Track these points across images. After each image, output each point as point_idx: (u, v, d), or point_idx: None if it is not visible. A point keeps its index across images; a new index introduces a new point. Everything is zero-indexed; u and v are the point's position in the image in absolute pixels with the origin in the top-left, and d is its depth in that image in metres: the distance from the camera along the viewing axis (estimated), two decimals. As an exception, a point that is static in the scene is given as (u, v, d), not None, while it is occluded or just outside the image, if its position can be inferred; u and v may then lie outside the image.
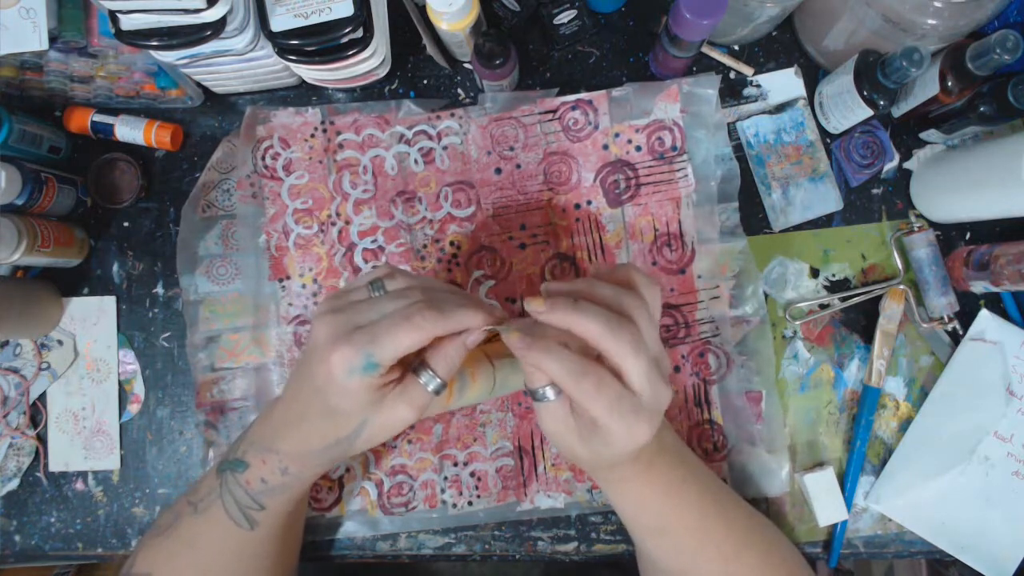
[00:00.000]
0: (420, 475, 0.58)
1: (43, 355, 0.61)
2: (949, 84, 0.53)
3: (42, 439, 0.61)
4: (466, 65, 0.63)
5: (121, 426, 0.61)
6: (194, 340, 0.59)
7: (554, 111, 0.60)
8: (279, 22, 0.51)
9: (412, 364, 0.42)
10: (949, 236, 0.60)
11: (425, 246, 0.59)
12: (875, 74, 0.53)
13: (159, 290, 0.62)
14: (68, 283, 0.62)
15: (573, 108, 0.60)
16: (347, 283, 0.59)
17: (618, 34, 0.62)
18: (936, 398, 0.58)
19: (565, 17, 0.61)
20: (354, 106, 0.61)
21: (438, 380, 0.41)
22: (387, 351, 0.38)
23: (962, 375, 0.58)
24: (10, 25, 0.52)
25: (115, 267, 0.62)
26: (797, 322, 0.59)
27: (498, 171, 0.60)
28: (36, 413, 0.61)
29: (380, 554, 0.59)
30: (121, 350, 0.61)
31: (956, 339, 0.59)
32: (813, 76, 0.61)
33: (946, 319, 0.58)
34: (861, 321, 0.60)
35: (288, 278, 0.60)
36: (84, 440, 0.60)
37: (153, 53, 0.51)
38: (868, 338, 0.59)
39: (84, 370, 0.61)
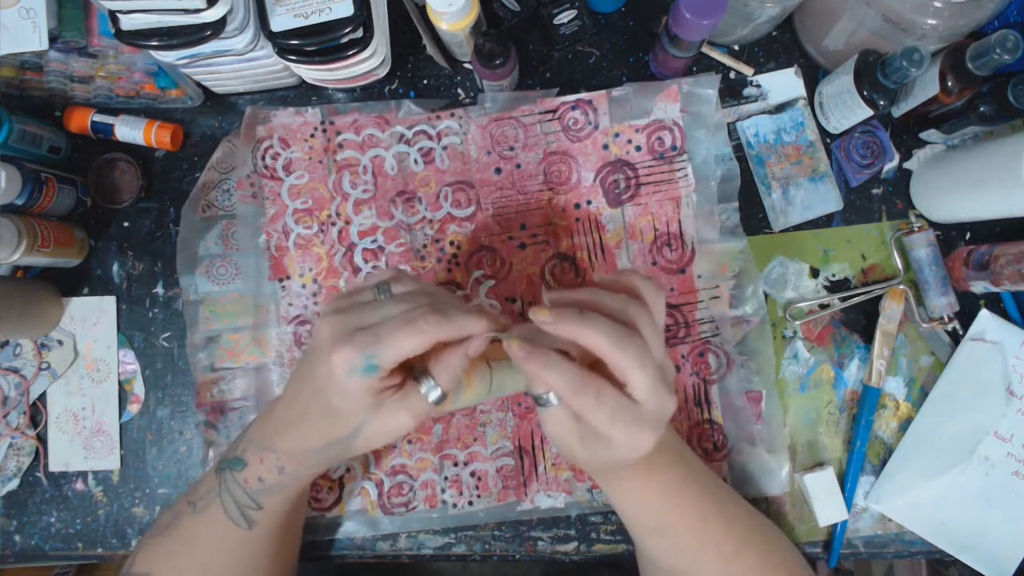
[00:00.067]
0: (420, 475, 0.58)
1: (43, 355, 0.61)
2: (949, 84, 0.53)
3: (42, 439, 0.61)
4: (466, 65, 0.63)
5: (121, 426, 0.61)
6: (194, 340, 0.59)
7: (554, 111, 0.60)
8: (279, 22, 0.51)
9: (414, 372, 0.42)
10: (949, 236, 0.60)
11: (425, 246, 0.59)
12: (875, 74, 0.53)
13: (159, 290, 0.62)
14: (68, 283, 0.62)
15: (573, 108, 0.60)
16: (352, 284, 0.60)
17: (618, 34, 0.62)
18: (936, 398, 0.58)
19: (565, 17, 0.61)
20: (354, 106, 0.61)
21: (439, 390, 0.41)
22: (389, 354, 0.38)
23: (962, 375, 0.58)
24: (10, 25, 0.52)
25: (115, 267, 0.62)
26: (797, 322, 0.59)
27: (498, 171, 0.60)
28: (36, 413, 0.61)
29: (380, 554, 0.59)
30: (121, 350, 0.61)
31: (956, 339, 0.59)
32: (813, 76, 0.61)
33: (946, 319, 0.58)
34: (861, 321, 0.60)
35: (288, 278, 0.60)
36: (84, 440, 0.60)
37: (153, 53, 0.51)
38: (868, 338, 0.59)
39: (84, 370, 0.61)
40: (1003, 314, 0.59)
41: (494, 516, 0.58)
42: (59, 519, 0.60)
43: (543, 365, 0.39)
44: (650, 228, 0.59)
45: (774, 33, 0.62)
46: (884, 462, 0.58)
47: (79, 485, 0.61)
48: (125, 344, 0.62)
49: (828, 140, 0.61)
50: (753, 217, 0.61)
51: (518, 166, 0.60)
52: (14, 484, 0.60)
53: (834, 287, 0.60)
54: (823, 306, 0.60)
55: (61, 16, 0.54)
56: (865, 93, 0.53)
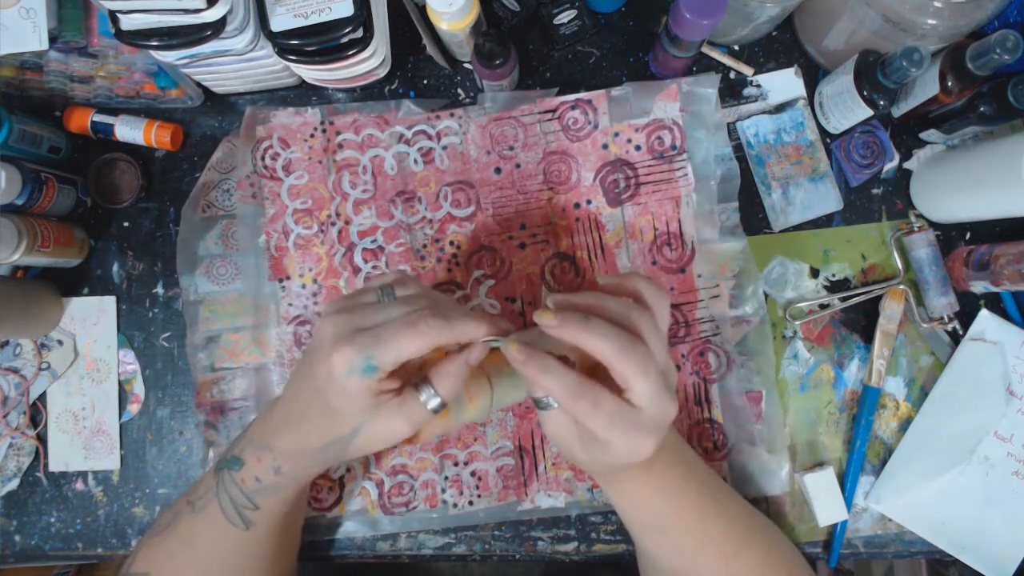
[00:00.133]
0: (421, 475, 0.58)
1: (43, 355, 0.61)
2: (949, 84, 0.53)
3: (42, 439, 0.61)
4: (466, 65, 0.63)
5: (121, 426, 0.61)
6: (194, 340, 0.59)
7: (553, 111, 0.60)
8: (279, 22, 0.51)
9: (414, 380, 0.42)
10: (949, 236, 0.60)
11: (425, 246, 0.59)
12: (875, 74, 0.53)
13: (159, 290, 0.62)
14: (68, 283, 0.62)
15: (573, 107, 0.60)
16: (354, 285, 0.60)
17: (618, 34, 0.62)
18: (936, 398, 0.58)
19: (565, 17, 0.61)
20: (354, 106, 0.61)
21: (438, 399, 0.41)
22: (388, 355, 0.39)
23: (962, 375, 0.58)
24: (10, 25, 0.52)
25: (115, 267, 0.62)
26: (797, 322, 0.59)
27: (498, 171, 0.60)
28: (36, 413, 0.61)
29: (380, 554, 0.59)
30: (121, 350, 0.61)
31: (956, 339, 0.59)
32: (813, 76, 0.61)
33: (946, 319, 0.58)
34: (861, 321, 0.60)
35: (288, 278, 0.60)
36: (84, 440, 0.60)
37: (153, 53, 0.51)
38: (868, 338, 0.59)
39: (84, 370, 0.61)
40: (1003, 314, 0.59)
41: (494, 516, 0.58)
42: (59, 519, 0.60)
43: (541, 370, 0.39)
44: (650, 227, 0.59)
45: (774, 33, 0.62)
46: (884, 462, 0.58)
47: (79, 485, 0.61)
48: (125, 344, 0.62)
49: (828, 140, 0.61)
50: (753, 217, 0.61)
51: (518, 166, 0.60)
52: (14, 484, 0.60)
53: (834, 287, 0.60)
54: (823, 306, 0.60)
55: (61, 16, 0.54)
56: (865, 93, 0.53)
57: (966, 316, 0.59)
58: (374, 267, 0.60)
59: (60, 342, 0.61)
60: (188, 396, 0.61)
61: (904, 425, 0.59)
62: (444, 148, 0.60)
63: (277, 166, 0.60)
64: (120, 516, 0.60)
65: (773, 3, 0.53)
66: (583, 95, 0.60)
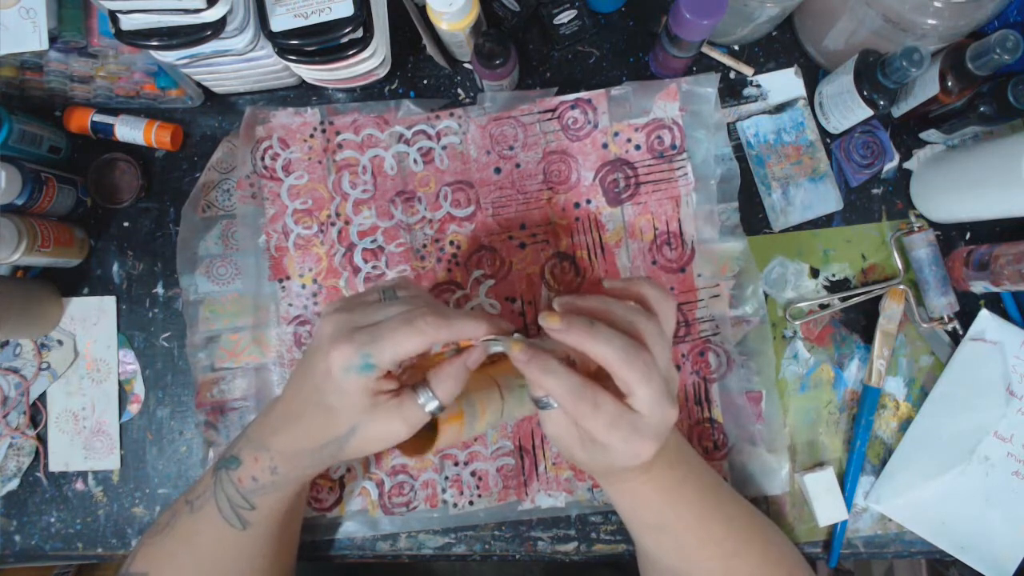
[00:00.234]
0: (421, 475, 0.58)
1: (43, 355, 0.61)
2: (949, 84, 0.53)
3: (42, 439, 0.61)
4: (466, 65, 0.63)
5: (121, 426, 0.61)
6: (194, 340, 0.59)
7: (553, 110, 0.60)
8: (279, 22, 0.51)
9: (414, 383, 0.42)
10: (949, 236, 0.60)
11: (425, 246, 0.59)
12: (875, 74, 0.53)
13: (159, 290, 0.62)
14: (68, 283, 0.62)
15: (572, 107, 0.60)
16: (354, 285, 0.60)
17: (618, 34, 0.62)
18: (936, 398, 0.58)
19: (565, 17, 0.61)
20: (354, 106, 0.61)
21: (436, 401, 0.41)
22: (386, 353, 0.39)
23: (962, 375, 0.58)
24: (10, 25, 0.52)
25: (115, 267, 0.62)
26: (797, 322, 0.59)
27: (497, 171, 0.60)
28: (36, 413, 0.61)
29: (380, 554, 0.59)
30: (121, 350, 0.61)
31: (956, 339, 0.59)
32: (813, 76, 0.61)
33: (946, 319, 0.58)
34: (861, 321, 0.60)
35: (288, 278, 0.60)
36: (84, 440, 0.60)
37: (153, 53, 0.51)
38: (868, 338, 0.59)
39: (84, 370, 0.61)
40: (1003, 314, 0.59)
41: (495, 516, 0.58)
42: (59, 519, 0.60)
43: (543, 371, 0.39)
44: (650, 227, 0.59)
45: (774, 33, 0.62)
46: (884, 462, 0.58)
47: (79, 485, 0.61)
48: (125, 344, 0.62)
49: (828, 140, 0.61)
50: (753, 217, 0.61)
51: (517, 165, 0.60)
52: (14, 484, 0.60)
53: (834, 287, 0.60)
54: (823, 306, 0.60)
55: (61, 16, 0.54)
56: (865, 93, 0.53)
57: (966, 316, 0.59)
58: (374, 267, 0.60)
59: (60, 342, 0.61)
60: (188, 396, 0.61)
61: (904, 425, 0.59)
62: (444, 148, 0.60)
63: (277, 166, 0.60)
64: (120, 516, 0.60)
65: (773, 3, 0.53)
66: (583, 95, 0.60)
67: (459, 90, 0.63)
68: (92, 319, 0.62)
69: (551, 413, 0.42)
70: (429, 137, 0.60)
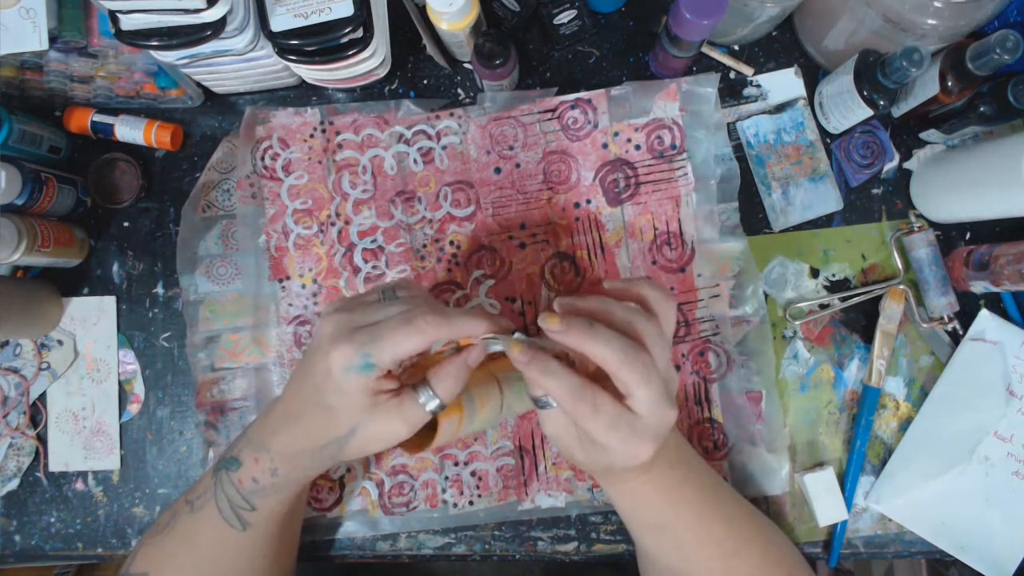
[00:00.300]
0: (421, 475, 0.58)
1: (43, 355, 0.61)
2: (949, 84, 0.53)
3: (42, 439, 0.61)
4: (466, 65, 0.63)
5: (121, 426, 0.61)
6: (194, 340, 0.59)
7: (553, 110, 0.60)
8: (279, 22, 0.51)
9: (414, 382, 0.42)
10: (949, 236, 0.60)
11: (425, 246, 0.59)
12: (875, 74, 0.53)
13: (159, 290, 0.62)
14: (68, 283, 0.62)
15: (572, 107, 0.60)
16: (354, 285, 0.60)
17: (618, 34, 0.62)
18: (936, 398, 0.58)
19: (565, 17, 0.61)
20: (354, 106, 0.61)
21: (436, 400, 0.41)
22: (385, 352, 0.39)
23: (962, 375, 0.58)
24: (10, 25, 0.52)
25: (115, 267, 0.62)
26: (797, 322, 0.59)
27: (497, 171, 0.60)
28: (36, 413, 0.61)
29: (380, 554, 0.59)
30: (121, 350, 0.61)
31: (956, 339, 0.59)
32: (813, 76, 0.61)
33: (946, 319, 0.58)
34: (861, 321, 0.60)
35: (288, 278, 0.60)
36: (84, 440, 0.60)
37: (153, 53, 0.51)
38: (868, 338, 0.59)
39: (84, 370, 0.61)
40: (1003, 314, 0.59)
41: (495, 516, 0.58)
42: (59, 519, 0.60)
43: (543, 371, 0.39)
44: (650, 227, 0.59)
45: (774, 33, 0.62)
46: (884, 462, 0.58)
47: (79, 485, 0.61)
48: (125, 344, 0.62)
49: (828, 140, 0.61)
50: (753, 217, 0.61)
51: (517, 165, 0.60)
52: (14, 484, 0.60)
53: (834, 287, 0.60)
54: (823, 306, 0.60)
55: (61, 16, 0.54)
56: (865, 93, 0.53)
57: (966, 316, 0.59)
58: (374, 267, 0.60)
59: (60, 342, 0.61)
60: (188, 396, 0.61)
61: (904, 425, 0.59)
62: (444, 148, 0.60)
63: (277, 166, 0.60)
64: (120, 516, 0.60)
65: (773, 3, 0.53)
66: (583, 94, 0.60)
67: (459, 90, 0.63)
68: (92, 319, 0.62)
69: (550, 413, 0.42)
70: (429, 137, 0.60)
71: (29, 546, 0.60)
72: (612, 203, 0.59)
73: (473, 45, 0.55)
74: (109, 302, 0.62)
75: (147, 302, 0.62)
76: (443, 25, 0.53)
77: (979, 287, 0.57)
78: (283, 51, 0.52)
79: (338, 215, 0.60)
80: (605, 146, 0.59)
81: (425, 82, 0.63)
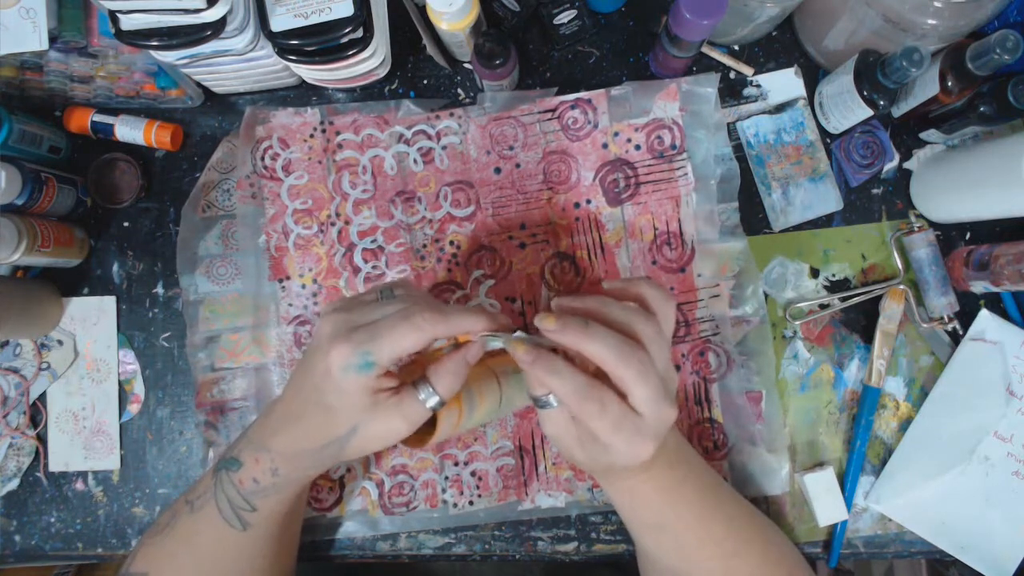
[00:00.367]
0: (421, 475, 0.58)
1: (43, 355, 0.61)
2: (949, 84, 0.53)
3: (42, 439, 0.61)
4: (466, 65, 0.63)
5: (121, 426, 0.61)
6: (194, 340, 0.59)
7: (553, 110, 0.60)
8: (279, 22, 0.51)
9: (414, 380, 0.42)
10: (949, 236, 0.60)
11: (425, 246, 0.59)
12: (875, 74, 0.53)
13: (159, 290, 0.62)
14: (68, 283, 0.62)
15: (572, 107, 0.60)
16: (354, 285, 0.60)
17: (618, 34, 0.62)
18: (936, 398, 0.58)
19: (565, 17, 0.61)
20: (354, 106, 0.61)
21: (437, 397, 0.41)
22: (385, 351, 0.39)
23: (962, 375, 0.58)
24: (10, 25, 0.52)
25: (115, 267, 0.62)
26: (797, 322, 0.59)
27: (497, 171, 0.60)
28: (36, 413, 0.61)
29: (380, 554, 0.59)
30: (121, 350, 0.61)
31: (956, 339, 0.59)
32: (813, 76, 0.61)
33: (946, 319, 0.58)
34: (861, 321, 0.60)
35: (288, 278, 0.60)
36: (84, 440, 0.60)
37: (153, 53, 0.51)
38: (868, 338, 0.59)
39: (84, 370, 0.61)
40: (1003, 314, 0.59)
41: (495, 516, 0.58)
42: (59, 519, 0.60)
43: (549, 371, 0.39)
44: (650, 227, 0.59)
45: (774, 33, 0.62)
46: (884, 462, 0.58)
47: (79, 485, 0.61)
48: (125, 344, 0.62)
49: (828, 140, 0.61)
50: (753, 217, 0.61)
51: (517, 165, 0.60)
52: (14, 484, 0.60)
53: (834, 287, 0.60)
54: (823, 306, 0.60)
55: (61, 16, 0.54)
56: (865, 93, 0.53)
57: (966, 316, 0.59)
58: (374, 267, 0.60)
59: (60, 342, 0.61)
60: (188, 396, 0.61)
61: (904, 425, 0.59)
62: (444, 148, 0.60)
63: (277, 166, 0.60)
64: (120, 516, 0.60)
65: (773, 3, 0.53)
66: (583, 94, 0.60)
67: (459, 90, 0.63)
68: (92, 319, 0.62)
69: (550, 412, 0.42)
70: (429, 137, 0.60)
71: (29, 546, 0.60)
72: (612, 203, 0.59)
73: (473, 45, 0.55)
74: (109, 302, 0.62)
75: (147, 302, 0.62)
76: (443, 25, 0.53)
77: (979, 287, 0.57)
78: (283, 51, 0.52)
79: (338, 215, 0.60)
80: (605, 146, 0.59)
81: (425, 82, 0.63)
